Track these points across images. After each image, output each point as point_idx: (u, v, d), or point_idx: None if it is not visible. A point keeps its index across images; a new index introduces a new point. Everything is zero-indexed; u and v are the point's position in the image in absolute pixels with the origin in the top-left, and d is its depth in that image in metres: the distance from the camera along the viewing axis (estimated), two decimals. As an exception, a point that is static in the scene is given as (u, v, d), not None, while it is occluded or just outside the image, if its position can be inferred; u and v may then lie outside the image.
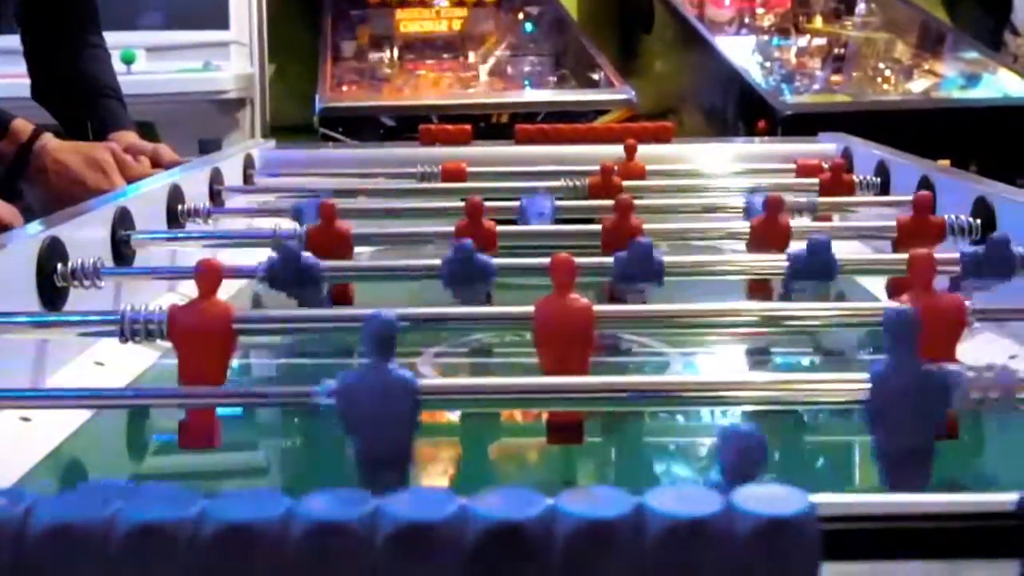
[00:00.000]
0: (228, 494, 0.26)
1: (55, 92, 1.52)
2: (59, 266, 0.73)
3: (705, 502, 0.26)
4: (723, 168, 1.25)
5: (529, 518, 0.25)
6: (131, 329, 0.60)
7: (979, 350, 0.74)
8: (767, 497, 0.26)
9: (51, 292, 0.73)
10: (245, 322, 0.59)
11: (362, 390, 0.42)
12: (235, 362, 0.75)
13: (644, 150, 1.18)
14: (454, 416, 0.70)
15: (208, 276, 0.58)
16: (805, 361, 0.83)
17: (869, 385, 0.44)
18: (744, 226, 0.85)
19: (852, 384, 0.46)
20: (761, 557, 0.25)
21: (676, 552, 0.25)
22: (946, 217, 0.88)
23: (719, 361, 0.85)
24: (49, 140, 1.28)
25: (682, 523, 0.25)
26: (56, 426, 0.63)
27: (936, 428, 0.44)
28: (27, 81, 1.54)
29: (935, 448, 0.43)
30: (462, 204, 1.06)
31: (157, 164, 1.34)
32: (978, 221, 0.86)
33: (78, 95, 1.49)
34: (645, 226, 0.81)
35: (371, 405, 0.42)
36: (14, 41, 1.54)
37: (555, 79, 2.89)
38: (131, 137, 1.42)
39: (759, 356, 0.84)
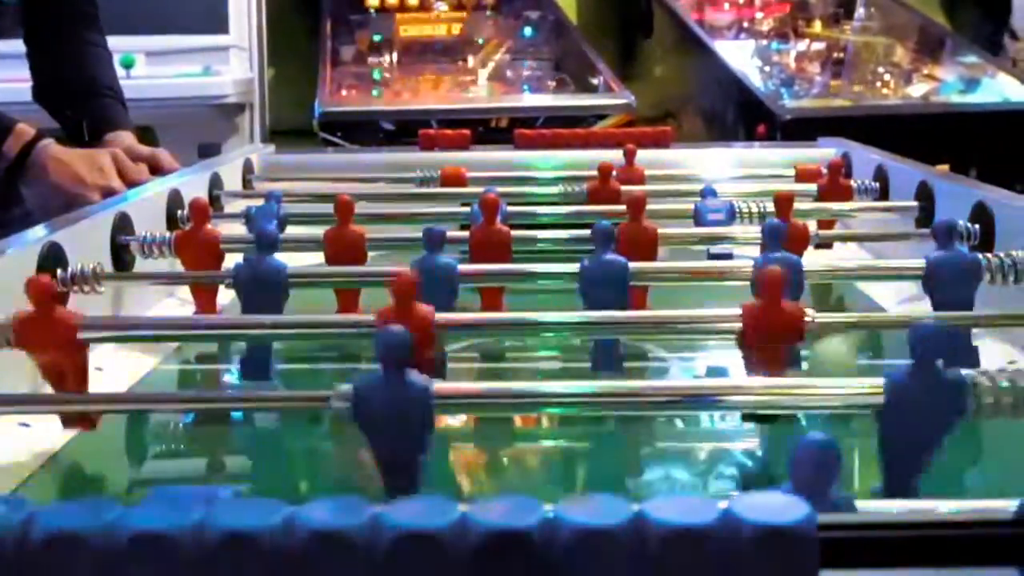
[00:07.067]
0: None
1: (53, 91, 1.51)
2: (59, 271, 0.73)
3: (704, 511, 0.26)
4: (724, 173, 1.25)
5: (530, 526, 0.25)
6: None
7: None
8: (767, 506, 0.26)
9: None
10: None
11: (377, 396, 0.42)
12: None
13: (643, 155, 1.18)
14: (453, 421, 0.70)
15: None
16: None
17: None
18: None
19: (868, 389, 0.46)
20: (760, 566, 0.25)
21: (676, 561, 0.25)
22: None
23: (715, 365, 0.85)
24: (51, 143, 1.28)
25: (682, 531, 0.25)
26: (55, 431, 0.62)
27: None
28: (29, 85, 1.54)
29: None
30: (463, 209, 1.06)
31: (156, 169, 1.34)
32: (977, 227, 0.86)
33: (75, 94, 1.48)
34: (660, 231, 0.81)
35: (385, 410, 0.41)
36: (16, 46, 1.54)
37: (554, 84, 2.89)
38: (128, 140, 1.42)
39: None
